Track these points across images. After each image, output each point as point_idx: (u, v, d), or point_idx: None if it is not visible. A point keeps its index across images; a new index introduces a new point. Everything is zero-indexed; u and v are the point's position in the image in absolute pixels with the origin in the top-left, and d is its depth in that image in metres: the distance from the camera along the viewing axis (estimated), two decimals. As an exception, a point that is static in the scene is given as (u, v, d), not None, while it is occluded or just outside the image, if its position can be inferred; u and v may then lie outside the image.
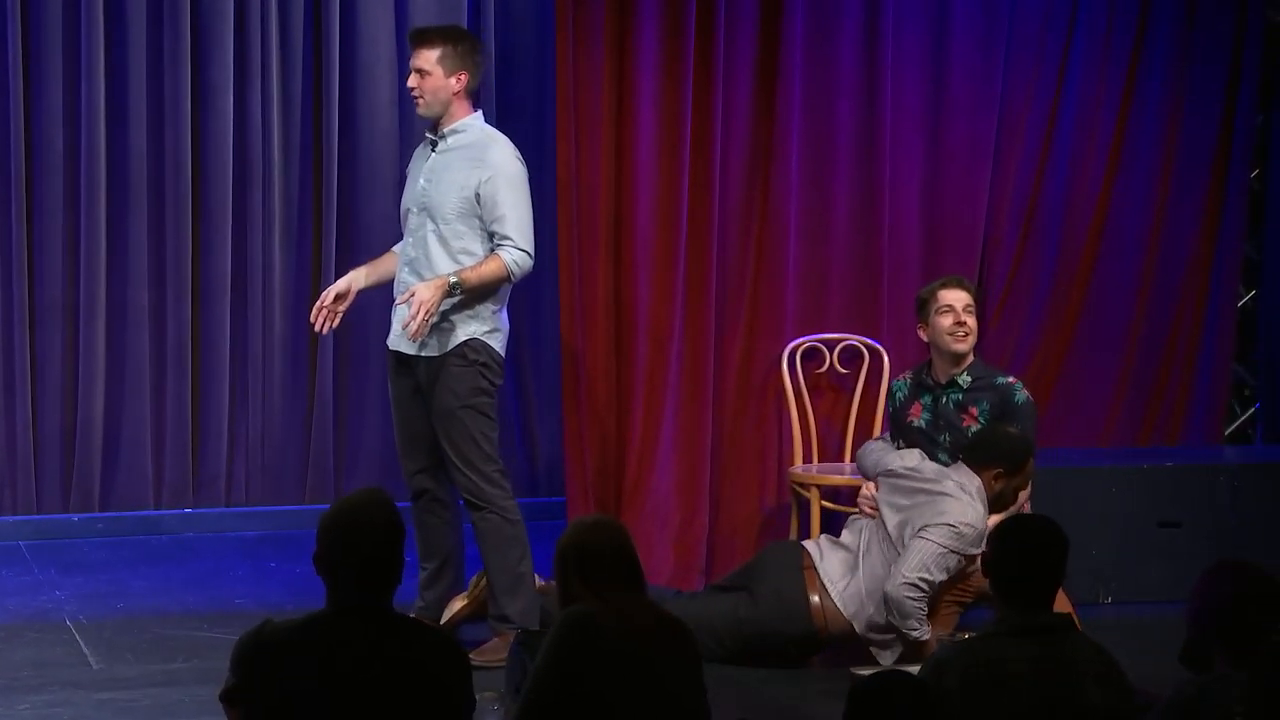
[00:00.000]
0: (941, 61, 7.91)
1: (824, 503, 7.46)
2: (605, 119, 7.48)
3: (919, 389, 6.79)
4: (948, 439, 6.65)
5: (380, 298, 7.27)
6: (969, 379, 6.70)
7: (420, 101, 6.32)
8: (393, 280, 6.54)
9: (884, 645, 6.29)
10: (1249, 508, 7.46)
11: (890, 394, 6.99)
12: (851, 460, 7.77)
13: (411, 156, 6.57)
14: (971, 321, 6.70)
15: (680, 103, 7.55)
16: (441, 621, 6.50)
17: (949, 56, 7.91)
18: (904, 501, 6.41)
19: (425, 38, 6.34)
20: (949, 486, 6.31)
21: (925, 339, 6.77)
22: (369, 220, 8.30)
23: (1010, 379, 6.75)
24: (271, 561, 7.81)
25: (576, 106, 7.45)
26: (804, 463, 7.69)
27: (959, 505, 6.25)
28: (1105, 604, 7.34)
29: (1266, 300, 8.54)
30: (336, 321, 6.43)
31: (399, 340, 6.34)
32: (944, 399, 6.71)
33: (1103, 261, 8.25)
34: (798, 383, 7.73)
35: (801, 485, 7.52)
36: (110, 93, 8.02)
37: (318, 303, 6.41)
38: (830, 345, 7.81)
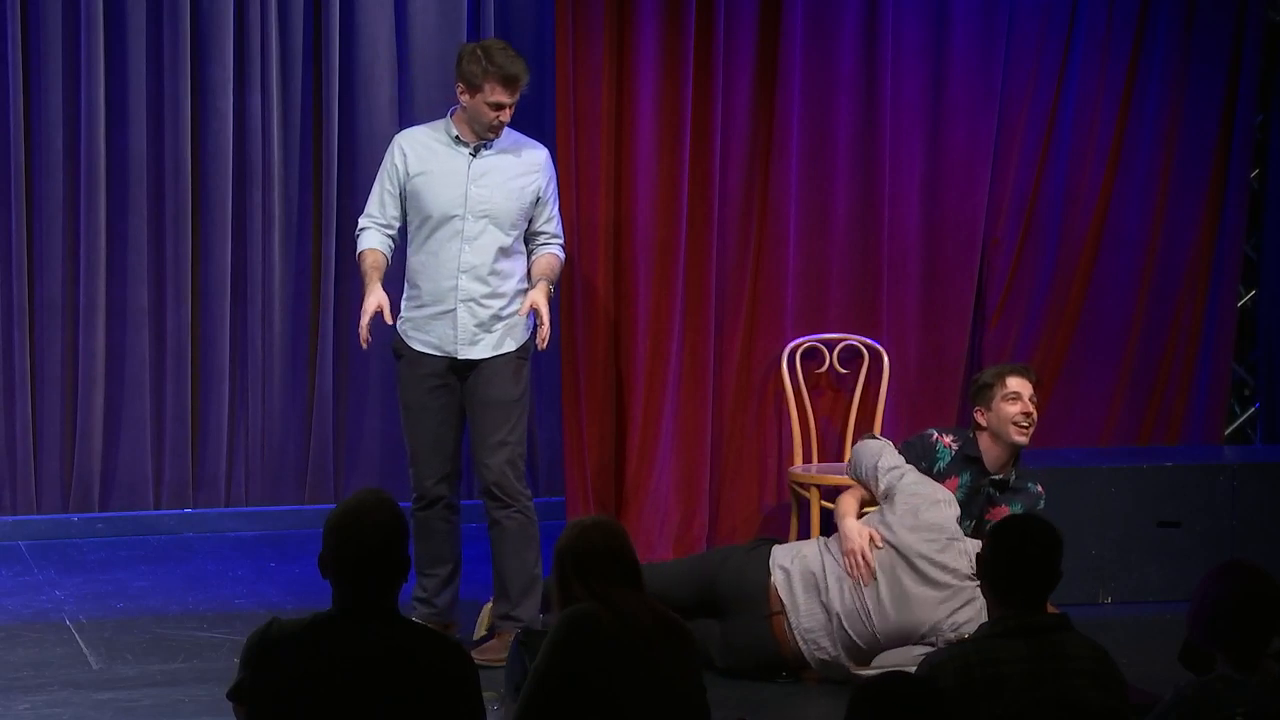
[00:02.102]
0: (941, 60, 7.91)
1: (824, 502, 7.45)
2: (605, 119, 7.49)
3: (965, 464, 6.47)
4: (970, 527, 6.39)
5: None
6: (1014, 477, 6.48)
7: (503, 126, 6.34)
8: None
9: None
10: (1248, 508, 7.46)
11: (932, 452, 6.49)
12: (852, 460, 7.77)
13: (411, 156, 6.45)
14: (1035, 412, 6.45)
15: (680, 102, 7.56)
16: (483, 627, 6.52)
17: (949, 55, 7.91)
18: (925, 585, 6.16)
19: (524, 77, 6.29)
20: (971, 587, 6.09)
21: (983, 424, 6.43)
22: (370, 219, 8.30)
23: (1039, 488, 6.53)
24: (271, 562, 7.81)
25: (576, 106, 7.46)
26: (804, 463, 7.69)
27: (973, 609, 6.04)
28: (1105, 604, 7.33)
29: (1266, 300, 8.54)
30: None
31: (467, 348, 6.34)
32: (984, 488, 6.46)
33: (1102, 261, 8.24)
34: (797, 382, 7.73)
35: (801, 485, 7.52)
36: (110, 93, 8.02)
37: (366, 321, 6.27)
38: (830, 345, 7.82)
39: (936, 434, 6.56)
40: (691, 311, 7.65)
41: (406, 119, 8.21)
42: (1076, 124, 8.15)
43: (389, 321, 6.34)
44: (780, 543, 6.50)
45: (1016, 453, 6.47)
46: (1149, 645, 6.21)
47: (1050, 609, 5.86)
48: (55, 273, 8.06)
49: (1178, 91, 8.24)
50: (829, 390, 7.85)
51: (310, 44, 8.25)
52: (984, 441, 6.45)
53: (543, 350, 6.43)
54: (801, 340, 7.77)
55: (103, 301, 8.09)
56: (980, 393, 6.50)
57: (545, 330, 6.30)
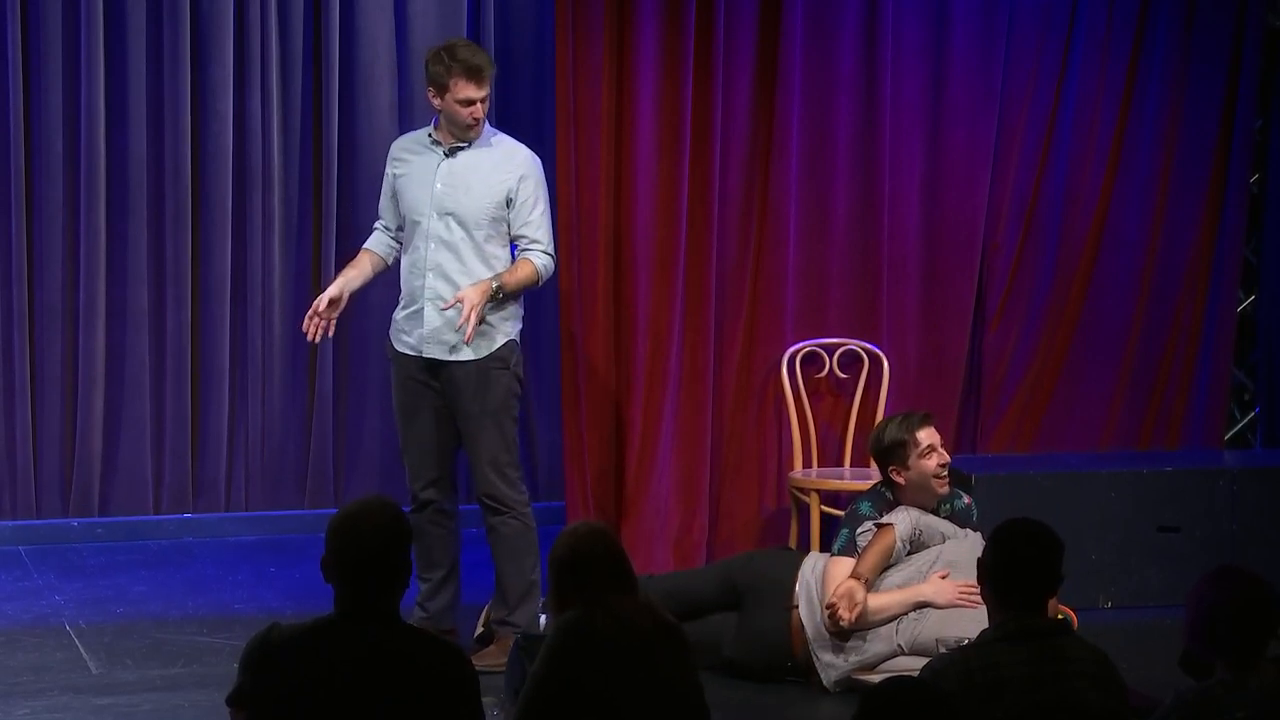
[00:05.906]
0: (941, 60, 7.91)
1: (823, 508, 7.45)
2: (605, 119, 7.49)
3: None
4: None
5: (381, 299, 7.27)
6: (948, 509, 6.40)
7: (480, 123, 6.28)
8: (375, 277, 6.55)
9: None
10: (1248, 513, 7.45)
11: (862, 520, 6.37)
12: (853, 465, 7.77)
13: (396, 159, 6.48)
14: (949, 457, 6.36)
15: (680, 102, 7.56)
16: (481, 626, 6.51)
17: (949, 55, 7.91)
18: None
19: (488, 68, 6.26)
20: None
21: (902, 482, 6.30)
22: (369, 220, 8.23)
23: (966, 499, 6.49)
24: (271, 566, 7.80)
25: (576, 106, 7.46)
26: (804, 467, 7.68)
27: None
28: (1105, 608, 7.33)
29: (1265, 304, 8.53)
30: (331, 330, 6.41)
31: (433, 347, 6.30)
32: None
33: (1102, 263, 8.24)
34: (797, 387, 7.72)
35: (801, 490, 7.51)
36: (110, 94, 8.01)
37: (310, 310, 6.40)
38: (830, 350, 7.81)
39: (857, 506, 6.42)
40: (691, 313, 7.65)
41: (407, 120, 8.21)
42: (1076, 125, 8.15)
43: (321, 309, 6.32)
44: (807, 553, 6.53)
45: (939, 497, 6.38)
46: (1149, 649, 6.21)
47: (1068, 610, 5.90)
48: (55, 275, 8.05)
49: (1178, 92, 8.24)
50: (829, 395, 7.84)
51: (310, 45, 8.25)
52: (906, 498, 6.33)
53: (467, 344, 6.21)
54: (801, 345, 7.76)
55: (102, 303, 8.09)
56: (893, 452, 6.32)
57: (467, 328, 6.11)
